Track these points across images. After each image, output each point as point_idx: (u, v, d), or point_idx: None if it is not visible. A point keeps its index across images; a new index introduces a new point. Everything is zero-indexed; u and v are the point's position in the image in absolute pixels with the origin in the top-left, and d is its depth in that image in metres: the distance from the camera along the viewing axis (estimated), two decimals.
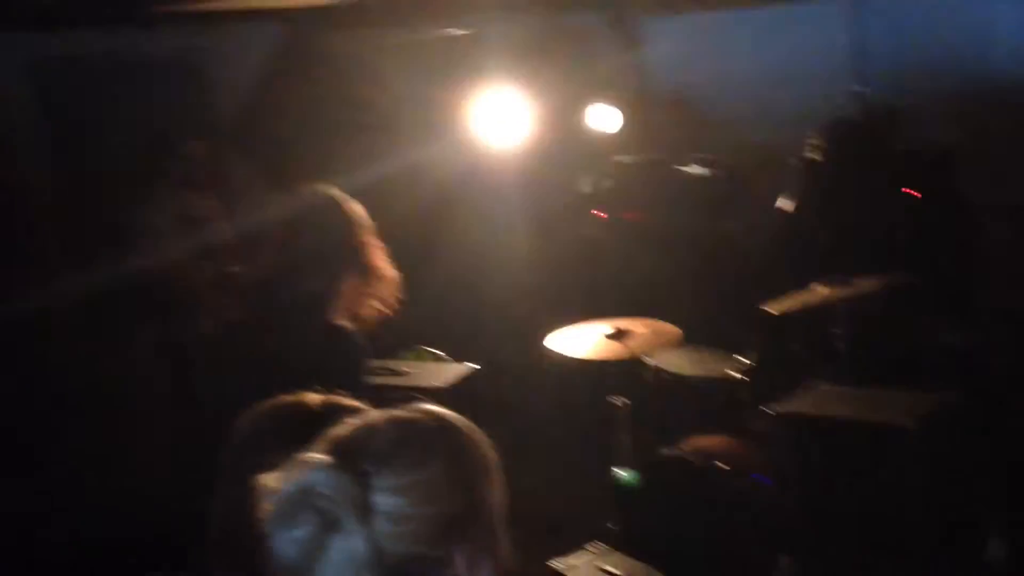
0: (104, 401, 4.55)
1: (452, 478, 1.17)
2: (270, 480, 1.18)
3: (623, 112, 5.32)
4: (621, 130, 5.32)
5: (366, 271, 2.49)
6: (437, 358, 4.20)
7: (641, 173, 4.92)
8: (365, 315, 2.51)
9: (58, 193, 5.02)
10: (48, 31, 4.72)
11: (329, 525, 1.11)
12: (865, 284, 3.93)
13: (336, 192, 2.59)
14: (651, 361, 4.08)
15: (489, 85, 4.61)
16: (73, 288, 4.38)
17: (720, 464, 3.60)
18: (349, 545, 1.10)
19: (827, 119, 5.04)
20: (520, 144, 4.70)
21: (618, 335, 3.72)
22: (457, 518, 1.16)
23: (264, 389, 1.68)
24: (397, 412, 1.23)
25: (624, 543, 3.51)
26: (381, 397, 1.85)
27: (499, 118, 4.54)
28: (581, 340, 3.79)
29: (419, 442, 1.18)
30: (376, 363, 3.65)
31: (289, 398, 1.67)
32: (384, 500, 1.12)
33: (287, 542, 1.12)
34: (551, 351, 3.79)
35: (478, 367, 3.71)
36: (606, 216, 4.85)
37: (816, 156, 4.96)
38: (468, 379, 3.57)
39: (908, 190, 4.71)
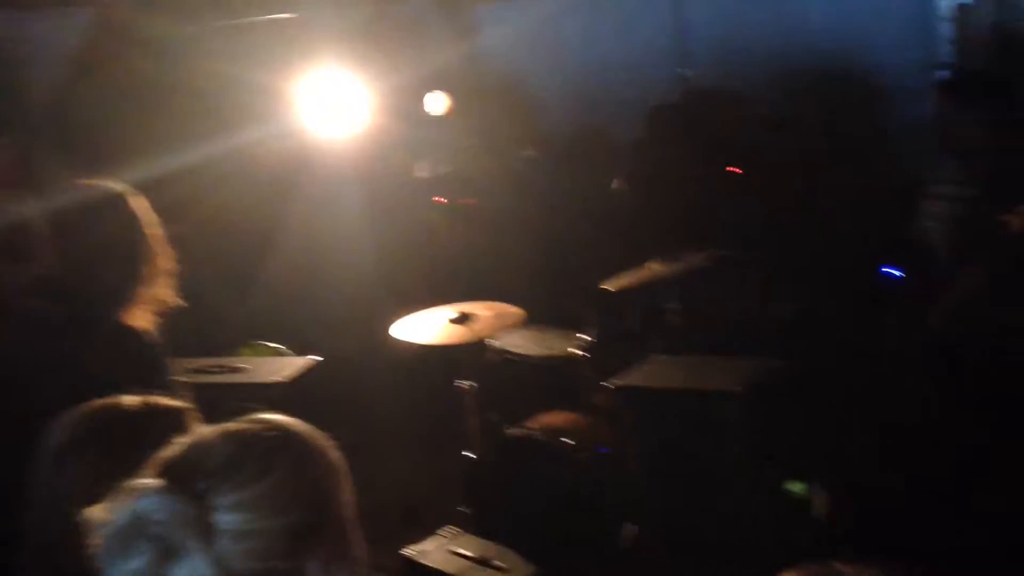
0: None
1: (296, 487, 1.14)
2: (98, 511, 1.10)
3: (458, 99, 5.33)
4: (457, 116, 5.33)
5: (150, 268, 2.37)
6: (276, 352, 4.09)
7: (477, 158, 4.96)
8: (153, 313, 2.39)
9: None
10: None
11: (167, 553, 1.05)
12: (695, 259, 4.10)
13: (119, 186, 2.44)
14: (496, 343, 4.11)
15: (320, 71, 4.51)
16: None
17: (566, 440, 3.68)
18: (192, 571, 1.05)
19: (654, 102, 5.24)
20: (355, 131, 4.62)
21: (462, 319, 3.73)
22: (306, 527, 1.13)
23: (67, 396, 1.58)
24: (230, 425, 1.18)
25: (477, 525, 3.53)
26: (203, 397, 1.78)
27: (331, 105, 4.44)
28: (426, 326, 3.78)
29: (257, 453, 1.14)
30: (211, 360, 3.54)
31: (102, 402, 1.57)
32: (226, 518, 1.07)
33: None
34: (396, 339, 3.76)
35: (319, 359, 3.62)
36: (445, 201, 4.86)
37: (646, 136, 5.16)
38: (309, 372, 3.48)
39: (733, 168, 4.96)
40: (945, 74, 4.54)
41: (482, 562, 3.08)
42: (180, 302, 2.43)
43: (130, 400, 1.57)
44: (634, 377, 3.59)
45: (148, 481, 1.10)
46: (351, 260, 4.71)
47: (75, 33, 5.07)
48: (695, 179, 4.84)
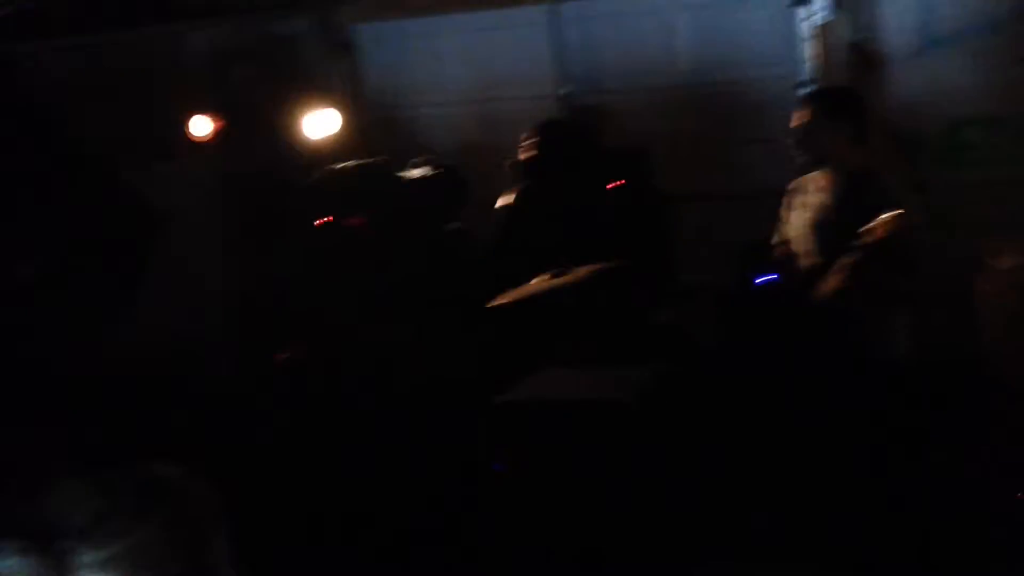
0: None
1: (167, 539, 1.10)
2: None
3: (339, 118, 5.29)
4: (339, 136, 5.29)
5: None
6: None
7: (361, 178, 4.91)
8: None
9: None
10: None
11: None
12: (582, 272, 4.17)
13: None
14: None
15: (194, 93, 4.40)
16: None
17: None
18: None
19: (537, 120, 5.33)
20: (232, 154, 4.53)
21: None
22: None
23: None
24: (98, 477, 1.13)
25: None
26: None
27: (206, 128, 4.34)
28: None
29: (125, 507, 1.09)
30: None
31: None
32: None
33: None
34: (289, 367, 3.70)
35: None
36: (329, 222, 4.80)
37: (529, 155, 5.22)
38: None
39: (613, 183, 5.08)
40: (808, 89, 4.79)
41: None
42: None
43: None
44: (525, 391, 3.62)
45: (5, 542, 1.05)
46: (232, 291, 4.60)
47: None
48: (581, 194, 4.94)
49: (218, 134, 5.00)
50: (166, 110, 5.14)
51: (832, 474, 3.46)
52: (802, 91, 4.53)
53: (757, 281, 4.51)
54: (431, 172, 5.07)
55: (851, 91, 3.86)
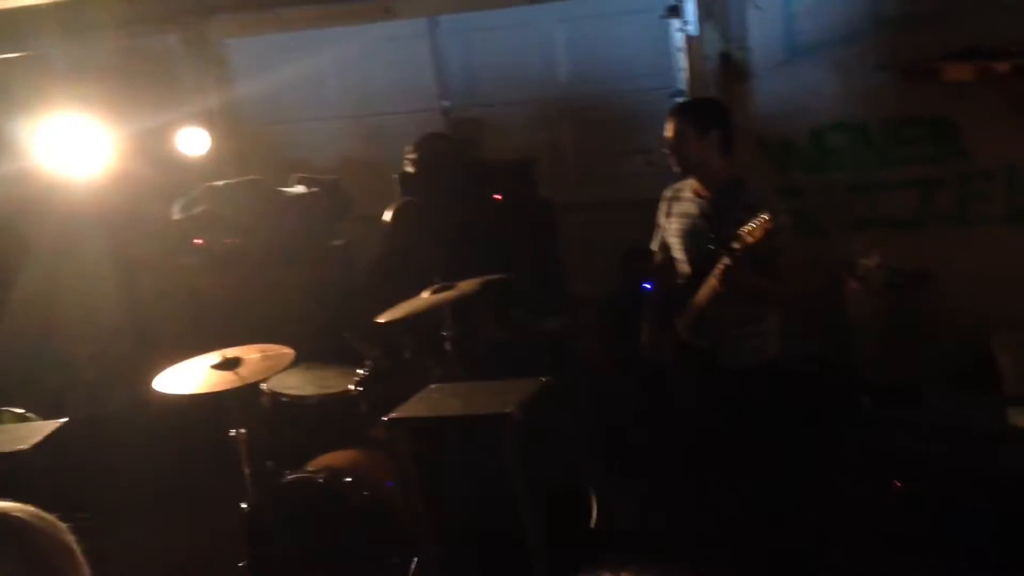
0: None
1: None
2: None
3: (212, 135, 5.14)
4: (213, 153, 5.14)
5: None
6: (20, 418, 3.74)
7: (237, 196, 4.79)
8: None
9: None
10: None
11: None
12: (467, 285, 4.15)
13: None
14: (267, 386, 3.97)
15: (56, 110, 4.20)
16: None
17: (348, 479, 3.60)
18: None
19: (419, 133, 5.31)
20: (100, 173, 4.34)
21: (228, 364, 3.57)
22: None
23: None
24: None
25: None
26: None
27: (70, 146, 4.15)
28: (190, 375, 3.59)
29: None
30: None
31: None
32: None
33: None
34: (159, 392, 3.55)
35: (66, 420, 3.34)
36: (204, 243, 4.65)
37: (412, 168, 5.20)
38: (57, 436, 3.20)
39: (496, 196, 5.10)
40: (679, 99, 4.91)
41: None
42: None
43: None
44: (412, 408, 3.57)
45: None
46: (105, 312, 4.40)
47: None
48: (464, 207, 4.94)
49: None
50: None
51: (709, 472, 3.54)
52: (674, 102, 4.63)
53: (644, 286, 4.61)
54: (311, 188, 4.99)
55: (716, 102, 3.95)
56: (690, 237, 3.55)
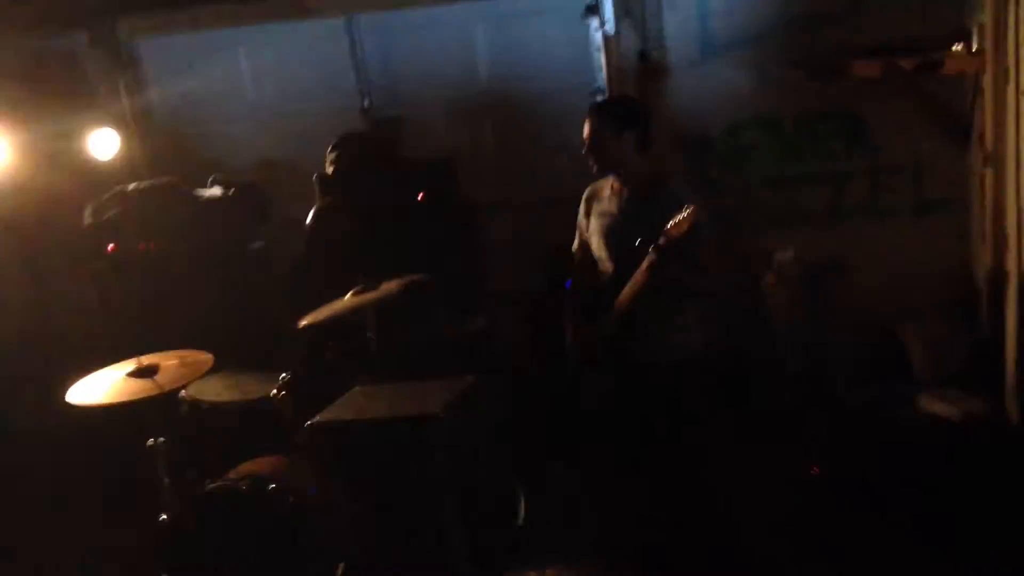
0: None
1: None
2: None
3: (125, 137, 5.00)
4: (126, 156, 5.00)
5: None
6: None
7: (151, 200, 4.66)
8: None
9: None
10: None
11: None
12: (390, 286, 4.13)
13: None
14: (186, 393, 3.88)
15: None
16: None
17: (271, 486, 3.54)
18: None
19: (339, 133, 5.24)
20: (6, 180, 4.19)
21: (144, 372, 3.48)
22: None
23: None
24: None
25: None
26: None
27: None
28: (105, 385, 3.49)
29: None
30: None
31: None
32: None
33: None
34: (72, 403, 3.44)
35: None
36: (117, 248, 4.52)
37: (332, 169, 5.13)
38: None
39: (419, 195, 5.07)
40: (597, 99, 4.96)
41: None
42: None
43: None
44: (336, 412, 3.54)
45: None
46: (11, 323, 4.25)
47: None
48: (385, 206, 4.90)
49: None
50: None
51: (634, 469, 3.59)
52: (593, 101, 4.67)
53: (568, 283, 4.63)
54: (228, 191, 4.89)
55: (632, 101, 4.00)
56: (612, 235, 3.59)
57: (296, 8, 5.49)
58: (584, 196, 3.75)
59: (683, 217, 3.22)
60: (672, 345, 3.55)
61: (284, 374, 3.94)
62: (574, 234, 3.89)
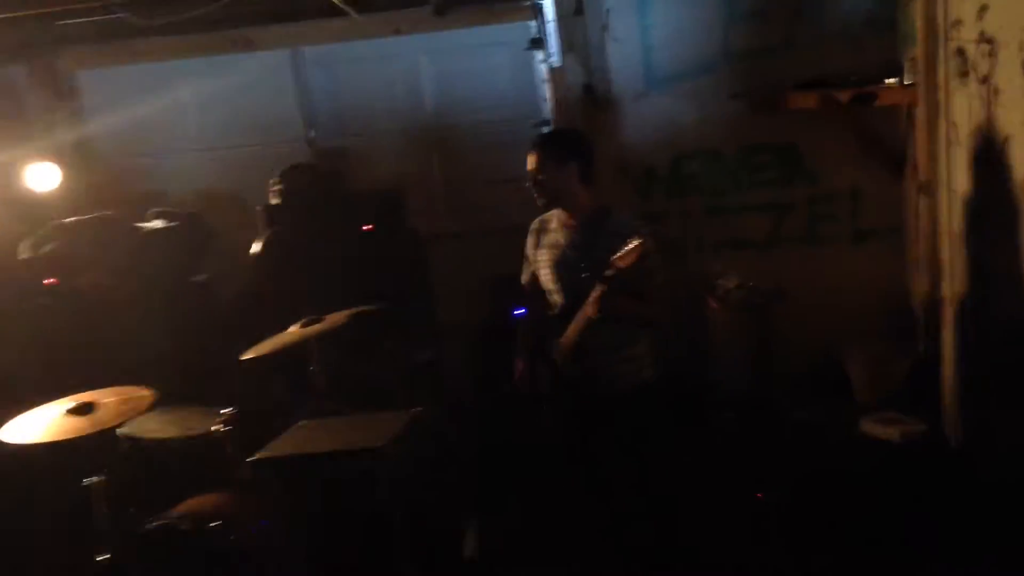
0: None
1: None
2: None
3: (64, 170, 4.92)
4: (65, 189, 4.92)
5: None
6: None
7: (90, 233, 4.58)
8: None
9: None
10: None
11: None
12: (336, 318, 4.10)
13: None
14: (126, 430, 3.79)
15: None
16: None
17: (213, 523, 3.47)
18: None
19: (284, 164, 5.22)
20: None
21: (82, 410, 3.40)
22: None
23: None
24: None
25: None
26: None
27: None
28: (41, 423, 3.40)
29: None
30: None
31: None
32: None
33: None
34: (7, 442, 3.35)
35: None
36: (55, 283, 4.43)
37: (277, 200, 5.10)
38: None
39: (366, 226, 5.06)
40: (540, 132, 5.00)
41: None
42: None
43: None
44: (281, 446, 3.49)
45: None
46: None
47: None
48: (331, 238, 4.88)
49: None
50: None
51: (584, 499, 3.59)
52: (538, 132, 4.71)
53: (515, 313, 4.64)
54: (171, 223, 4.83)
55: (575, 133, 3.98)
56: (561, 267, 3.59)
57: (241, 41, 5.48)
58: (532, 228, 3.76)
59: (630, 248, 3.23)
60: (623, 376, 3.54)
61: (227, 409, 3.88)
62: (520, 264, 3.90)
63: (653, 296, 3.45)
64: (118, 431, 3.74)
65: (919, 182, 4.70)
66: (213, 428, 3.82)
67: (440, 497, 3.56)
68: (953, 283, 4.35)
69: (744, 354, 4.72)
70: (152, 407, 3.56)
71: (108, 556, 3.39)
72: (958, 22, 3.88)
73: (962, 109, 4.01)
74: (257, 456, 3.32)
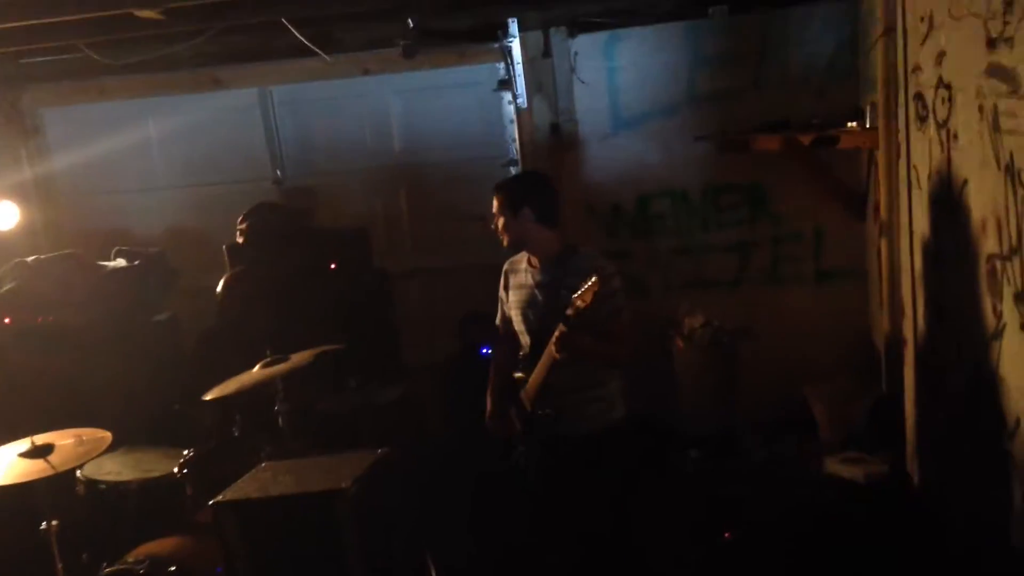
0: None
1: None
2: None
3: (26, 207, 4.87)
4: (27, 227, 4.86)
5: None
6: None
7: (51, 271, 4.52)
8: None
9: None
10: None
11: None
12: (300, 357, 4.05)
13: None
14: (82, 473, 3.72)
15: None
16: None
17: (171, 568, 3.40)
18: None
19: (250, 203, 5.20)
20: None
21: (38, 452, 3.33)
22: None
23: None
24: None
25: None
26: None
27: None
28: None
29: None
30: None
31: None
32: None
33: None
34: None
35: None
36: (13, 322, 4.36)
37: (242, 239, 5.07)
38: None
39: (331, 264, 5.03)
40: (511, 170, 5.03)
41: None
42: None
43: None
44: (242, 490, 3.42)
45: None
46: None
47: None
48: (297, 277, 4.85)
49: None
50: None
51: (551, 540, 3.55)
52: (506, 172, 4.73)
53: (483, 352, 4.62)
54: (134, 261, 4.78)
55: (531, 177, 3.94)
56: (528, 308, 3.58)
57: (209, 80, 5.48)
58: (504, 269, 3.74)
59: (587, 287, 3.21)
60: (592, 416, 3.51)
61: (188, 450, 3.81)
62: (486, 301, 3.88)
63: (620, 335, 3.43)
64: (75, 474, 3.68)
65: (881, 223, 4.76)
66: (173, 470, 3.76)
67: (406, 537, 3.50)
68: (914, 323, 4.39)
69: (710, 392, 4.73)
70: (112, 447, 3.49)
71: None
72: (917, 68, 3.96)
73: (922, 153, 4.07)
74: (218, 499, 3.25)
